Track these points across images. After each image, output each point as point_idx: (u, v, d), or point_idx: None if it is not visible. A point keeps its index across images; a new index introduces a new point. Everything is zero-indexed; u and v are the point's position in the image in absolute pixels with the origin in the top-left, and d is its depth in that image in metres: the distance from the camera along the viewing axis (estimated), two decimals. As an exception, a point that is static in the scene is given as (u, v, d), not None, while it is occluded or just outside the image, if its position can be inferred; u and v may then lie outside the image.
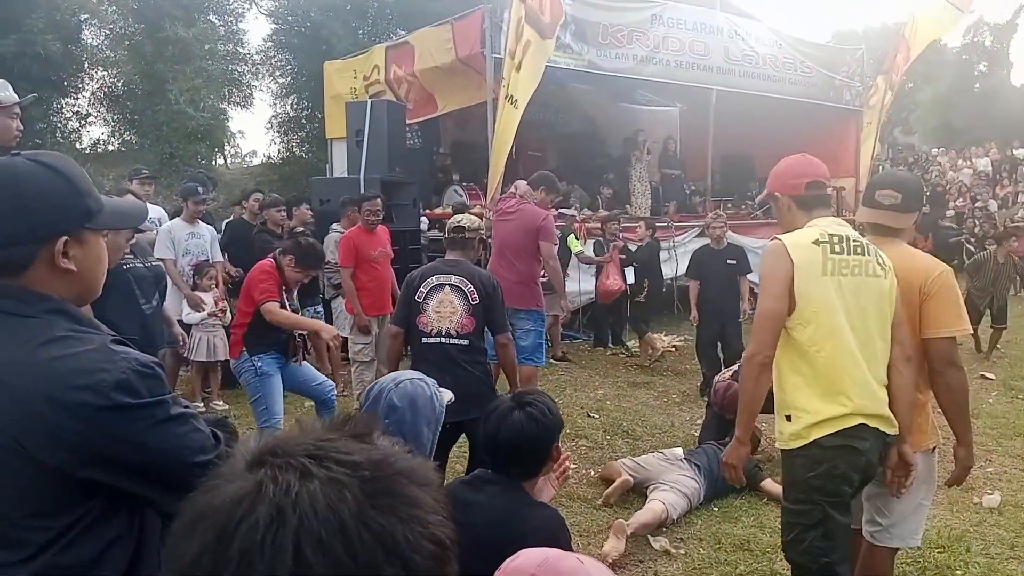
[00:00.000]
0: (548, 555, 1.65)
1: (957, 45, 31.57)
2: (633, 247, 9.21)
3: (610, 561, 3.79)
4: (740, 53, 10.97)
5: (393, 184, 7.97)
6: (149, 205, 6.82)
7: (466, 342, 3.79)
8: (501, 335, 3.92)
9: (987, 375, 8.00)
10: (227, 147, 21.75)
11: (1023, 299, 13.89)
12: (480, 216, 5.99)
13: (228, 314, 6.43)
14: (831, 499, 2.47)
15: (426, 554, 0.62)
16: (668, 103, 13.36)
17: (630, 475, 4.59)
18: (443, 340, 3.80)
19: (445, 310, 3.81)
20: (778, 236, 2.63)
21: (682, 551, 3.98)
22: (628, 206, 11.35)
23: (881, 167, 16.33)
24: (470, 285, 3.83)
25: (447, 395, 2.22)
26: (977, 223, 15.87)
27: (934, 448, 2.80)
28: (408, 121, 9.55)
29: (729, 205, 11.73)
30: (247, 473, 0.63)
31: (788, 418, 2.55)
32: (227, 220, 8.14)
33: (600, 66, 9.68)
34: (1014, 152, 22.50)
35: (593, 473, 5.00)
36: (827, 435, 2.46)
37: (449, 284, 3.86)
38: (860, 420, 2.46)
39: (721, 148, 11.62)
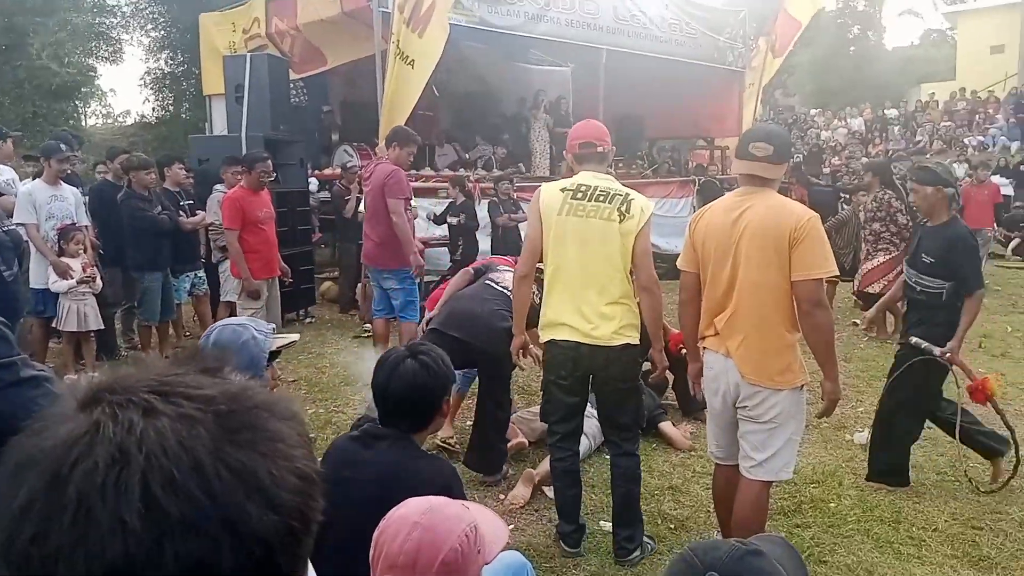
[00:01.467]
0: (432, 503, 1.65)
1: (833, 8, 32.92)
2: (439, 208, 8.92)
3: (518, 506, 3.87)
4: (629, 13, 11.08)
5: (277, 143, 7.68)
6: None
7: None
8: None
9: (859, 322, 8.50)
10: (97, 106, 20.42)
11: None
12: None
13: (99, 281, 6.06)
14: (553, 378, 3.33)
15: (292, 489, 0.58)
16: (560, 63, 13.39)
17: (525, 434, 4.65)
18: None
19: None
20: (542, 184, 3.46)
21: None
22: (520, 164, 11.38)
23: (763, 127, 16.89)
24: None
25: (285, 338, 2.18)
26: (851, 181, 16.74)
27: (802, 386, 2.94)
28: (293, 77, 9.19)
29: (620, 165, 11.93)
30: (80, 414, 0.57)
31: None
32: (91, 184, 7.57)
33: (491, 23, 9.57)
34: (885, 112, 23.86)
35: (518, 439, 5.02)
36: (548, 340, 3.29)
37: None
38: (559, 327, 3.23)
39: (612, 108, 11.76)
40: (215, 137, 9.32)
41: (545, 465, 4.18)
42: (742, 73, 13.19)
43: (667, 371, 3.63)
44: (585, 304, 3.19)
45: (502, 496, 4.06)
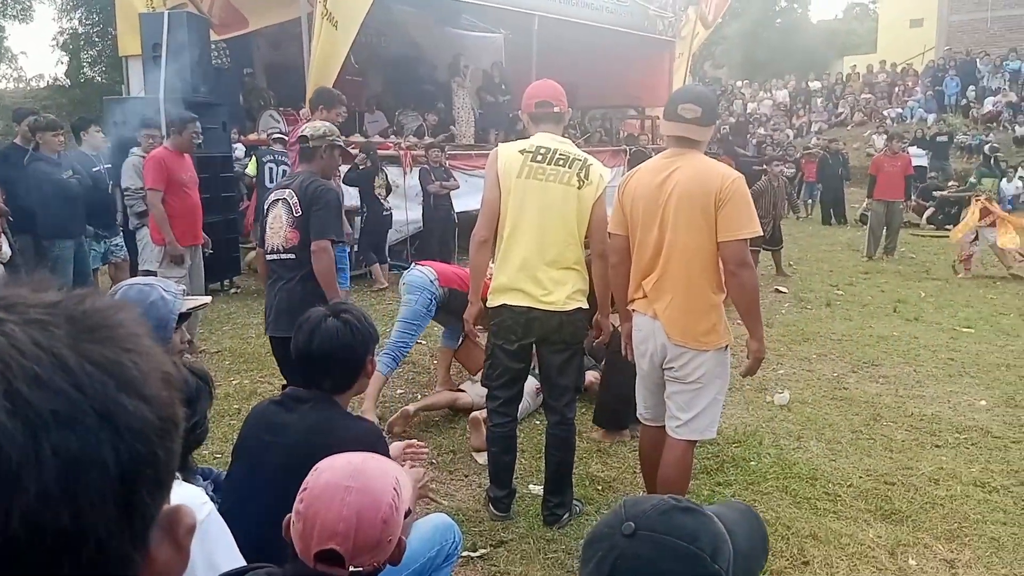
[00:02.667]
0: (352, 462, 1.61)
1: (761, -19, 33.50)
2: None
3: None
4: (561, -21, 11.01)
5: (199, 106, 7.36)
6: None
7: (292, 256, 3.68)
8: (314, 241, 3.65)
9: (780, 289, 8.77)
10: (7, 68, 19.31)
11: (807, 221, 15.32)
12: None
13: (6, 248, 5.76)
14: (501, 343, 3.28)
15: (160, 385, 0.56)
16: (493, 29, 13.25)
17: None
18: (275, 256, 3.74)
19: (276, 225, 3.71)
20: (498, 144, 3.32)
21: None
22: (452, 130, 11.25)
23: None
24: (295, 196, 3.68)
25: (195, 300, 2.13)
26: (773, 150, 17.14)
27: (727, 346, 3.01)
28: (214, 38, 8.84)
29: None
30: None
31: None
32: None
33: (421, -15, 9.39)
34: (809, 84, 24.46)
35: (420, 397, 5.02)
36: (500, 304, 3.23)
37: (281, 199, 3.73)
38: (512, 292, 3.20)
39: (545, 75, 11.49)
40: (132, 99, 8.89)
41: (429, 399, 4.61)
42: (672, 43, 13.30)
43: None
44: (540, 270, 3.17)
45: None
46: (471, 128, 11.49)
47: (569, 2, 11.19)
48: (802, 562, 3.12)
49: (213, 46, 8.79)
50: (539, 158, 3.17)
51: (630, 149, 12.64)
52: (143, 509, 0.54)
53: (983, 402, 5.02)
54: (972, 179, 10.36)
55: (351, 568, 1.46)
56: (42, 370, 0.50)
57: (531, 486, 3.74)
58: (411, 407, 4.49)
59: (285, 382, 3.47)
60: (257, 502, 2.07)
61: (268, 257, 3.81)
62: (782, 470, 3.99)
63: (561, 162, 3.17)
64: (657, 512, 1.03)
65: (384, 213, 8.62)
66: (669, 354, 2.97)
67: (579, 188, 3.15)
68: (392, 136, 10.77)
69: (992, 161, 10.00)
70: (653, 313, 2.99)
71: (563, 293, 3.18)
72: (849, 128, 20.95)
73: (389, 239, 8.94)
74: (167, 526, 0.57)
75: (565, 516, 3.40)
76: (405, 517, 1.53)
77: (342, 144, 4.03)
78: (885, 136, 14.81)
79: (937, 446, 4.32)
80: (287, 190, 3.74)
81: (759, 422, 4.69)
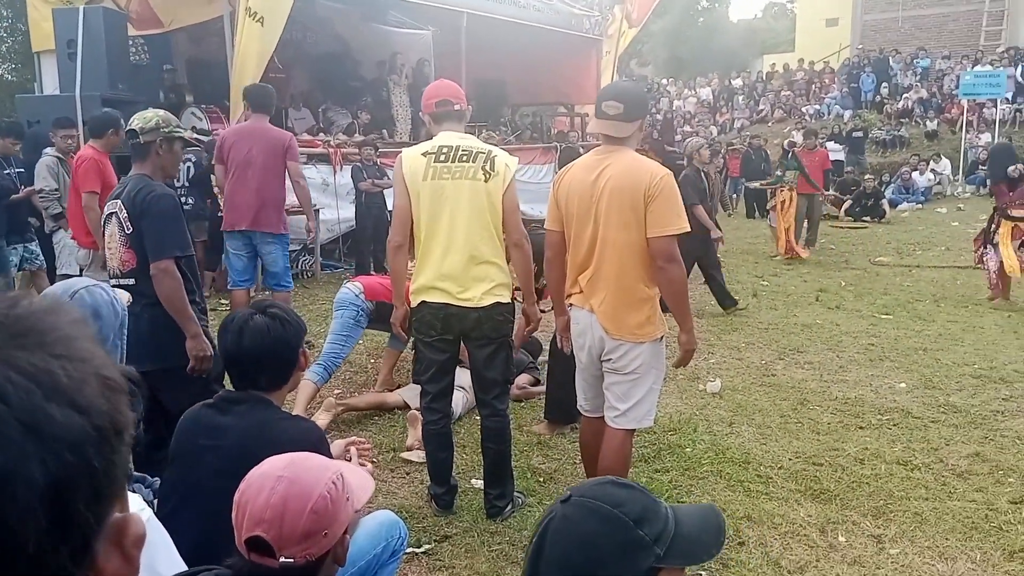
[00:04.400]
0: (294, 457, 1.61)
1: (683, -21, 34.21)
2: None
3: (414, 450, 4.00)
4: (488, -23, 11.03)
5: (117, 103, 7.11)
6: None
7: (131, 281, 3.13)
8: (152, 263, 3.08)
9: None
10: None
11: (734, 214, 15.73)
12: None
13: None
14: (422, 337, 3.29)
15: (95, 389, 0.54)
16: (421, 26, 13.17)
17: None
18: (115, 281, 3.16)
19: (112, 244, 3.17)
20: (402, 150, 3.38)
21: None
22: (384, 131, 11.15)
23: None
24: (124, 210, 3.11)
25: (124, 295, 2.08)
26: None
27: (661, 338, 3.08)
28: (132, 33, 8.54)
29: (483, 131, 11.94)
30: None
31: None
32: None
33: (347, -20, 9.27)
34: (731, 82, 25.10)
35: (356, 395, 4.97)
36: (419, 302, 3.24)
37: (113, 212, 3.16)
38: (430, 290, 3.21)
39: (474, 73, 11.70)
40: (46, 97, 8.53)
41: (357, 400, 4.66)
42: (599, 41, 13.47)
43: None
44: (457, 268, 3.17)
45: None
46: (408, 125, 11.42)
47: (498, 0, 11.21)
48: (738, 543, 3.22)
49: (131, 41, 8.49)
50: (442, 158, 3.17)
51: (560, 146, 12.76)
52: (80, 521, 0.52)
53: (903, 384, 5.25)
54: (779, 172, 10.93)
55: (281, 559, 1.45)
56: None
57: (473, 480, 3.75)
58: (336, 400, 4.56)
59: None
60: (195, 507, 2.03)
61: (111, 283, 3.16)
62: (716, 455, 4.10)
63: (465, 158, 3.17)
64: (595, 483, 1.14)
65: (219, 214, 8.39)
66: (606, 347, 3.03)
67: (486, 181, 3.16)
68: (321, 134, 10.60)
69: (789, 155, 10.69)
70: (590, 307, 3.04)
71: (480, 289, 3.19)
72: (770, 124, 21.58)
73: (321, 238, 8.81)
74: (114, 537, 0.55)
75: (507, 508, 3.43)
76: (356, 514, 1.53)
77: (183, 135, 3.40)
78: (803, 132, 15.31)
79: (861, 428, 4.51)
80: (118, 201, 3.16)
81: (693, 410, 4.80)
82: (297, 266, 8.32)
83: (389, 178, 9.09)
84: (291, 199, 6.10)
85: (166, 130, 3.24)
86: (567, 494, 1.10)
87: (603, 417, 3.14)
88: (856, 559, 3.12)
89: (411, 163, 3.20)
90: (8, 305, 0.54)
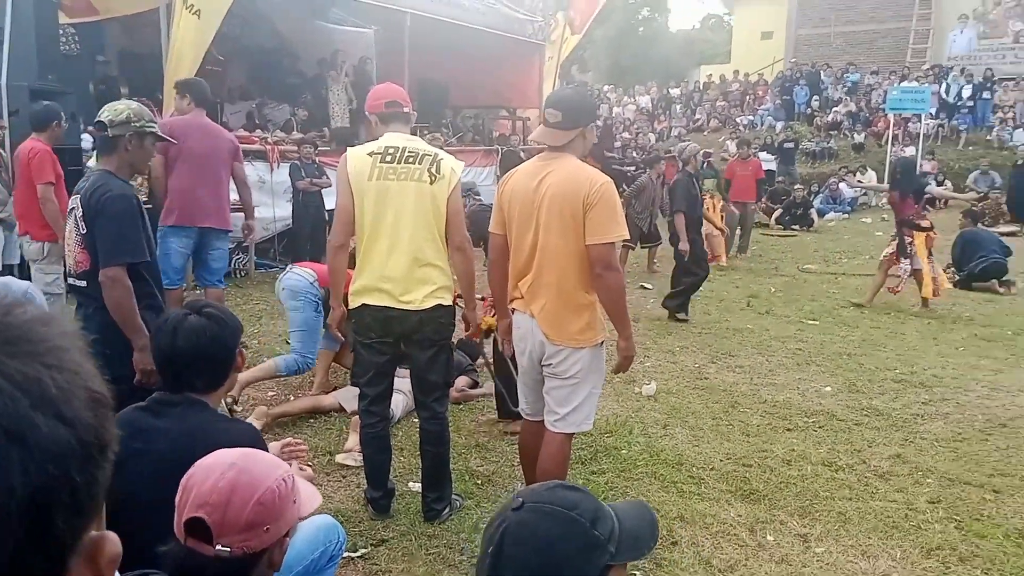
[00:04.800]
0: (248, 451, 1.60)
1: (624, -11, 34.71)
2: None
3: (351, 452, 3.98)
4: (432, -22, 11.01)
5: (45, 93, 6.86)
6: None
7: (83, 283, 3.02)
8: (101, 269, 2.93)
9: (646, 285, 9.16)
10: None
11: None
12: None
13: None
14: (362, 339, 3.30)
15: (83, 402, 0.53)
16: (363, 25, 13.06)
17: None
18: (71, 280, 3.09)
19: (70, 241, 3.06)
20: (348, 148, 3.34)
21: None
22: (325, 129, 11.01)
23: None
24: (80, 208, 2.98)
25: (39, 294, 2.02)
26: (637, 154, 17.85)
27: (601, 343, 3.13)
28: (63, 21, 8.24)
29: (427, 132, 11.90)
30: None
31: None
32: None
33: (288, -24, 9.13)
34: (670, 91, 25.56)
35: (292, 398, 4.91)
36: (360, 304, 3.22)
37: (73, 208, 3.05)
38: (371, 292, 3.19)
39: (417, 73, 11.67)
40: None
41: (290, 405, 4.65)
42: (542, 46, 13.59)
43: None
44: (399, 270, 3.16)
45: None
46: (346, 123, 11.29)
47: (440, 1, 11.20)
48: (671, 542, 3.30)
49: (61, 30, 8.20)
50: (388, 158, 3.16)
51: (502, 149, 12.82)
52: (58, 535, 0.51)
53: (828, 388, 5.45)
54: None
55: (218, 546, 1.44)
56: None
57: (411, 484, 3.75)
58: (267, 410, 4.50)
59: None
60: (129, 512, 1.97)
61: (68, 280, 3.15)
62: (651, 457, 4.18)
63: (411, 159, 3.17)
64: (544, 488, 1.17)
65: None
66: (547, 351, 3.06)
67: (431, 183, 3.15)
68: (258, 130, 10.41)
69: (704, 164, 11.17)
70: (531, 313, 3.07)
71: (422, 292, 3.18)
72: (706, 134, 22.03)
73: (256, 236, 8.64)
74: (90, 554, 0.54)
75: (445, 511, 3.44)
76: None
77: (155, 130, 3.21)
78: (737, 141, 15.71)
79: (789, 430, 4.66)
80: (77, 197, 3.03)
81: (629, 412, 4.89)
82: (231, 265, 8.15)
83: (328, 177, 9.01)
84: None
85: (137, 124, 3.09)
86: (519, 501, 1.12)
87: (543, 421, 3.18)
88: (783, 558, 3.23)
89: (356, 163, 3.17)
90: (1, 312, 0.53)
